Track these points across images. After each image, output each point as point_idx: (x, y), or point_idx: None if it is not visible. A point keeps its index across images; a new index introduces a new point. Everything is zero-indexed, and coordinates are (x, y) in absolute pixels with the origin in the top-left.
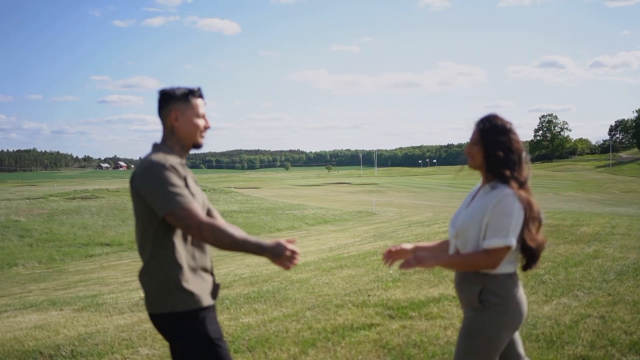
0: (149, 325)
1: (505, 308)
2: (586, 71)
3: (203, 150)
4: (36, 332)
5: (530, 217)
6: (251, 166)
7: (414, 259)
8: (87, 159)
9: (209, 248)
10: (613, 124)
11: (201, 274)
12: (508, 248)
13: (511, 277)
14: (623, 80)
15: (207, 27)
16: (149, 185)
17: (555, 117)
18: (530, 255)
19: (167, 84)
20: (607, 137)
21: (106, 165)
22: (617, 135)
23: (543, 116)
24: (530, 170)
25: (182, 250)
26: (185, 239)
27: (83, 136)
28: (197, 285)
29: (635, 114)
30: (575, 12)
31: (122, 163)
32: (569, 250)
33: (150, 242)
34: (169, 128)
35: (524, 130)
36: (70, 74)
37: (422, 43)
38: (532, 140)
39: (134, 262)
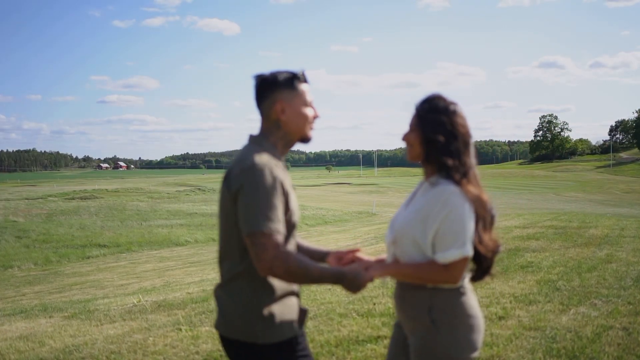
0: (139, 337)
1: (461, 326)
2: (586, 71)
3: (202, 150)
4: (20, 343)
5: (481, 217)
6: None
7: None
8: (86, 159)
9: None
10: (613, 124)
11: (290, 298)
12: (467, 258)
13: (460, 289)
14: (623, 80)
15: (207, 27)
16: (246, 192)
17: (556, 118)
18: (480, 262)
19: (166, 84)
20: (607, 138)
21: (106, 165)
22: (618, 136)
23: (543, 116)
24: (476, 160)
25: None
26: None
27: (83, 136)
28: (284, 313)
29: (636, 115)
30: (575, 13)
31: (121, 163)
32: (580, 254)
33: (239, 257)
34: (274, 122)
35: (524, 131)
36: (70, 74)
37: (422, 43)
38: (532, 141)
39: (130, 263)
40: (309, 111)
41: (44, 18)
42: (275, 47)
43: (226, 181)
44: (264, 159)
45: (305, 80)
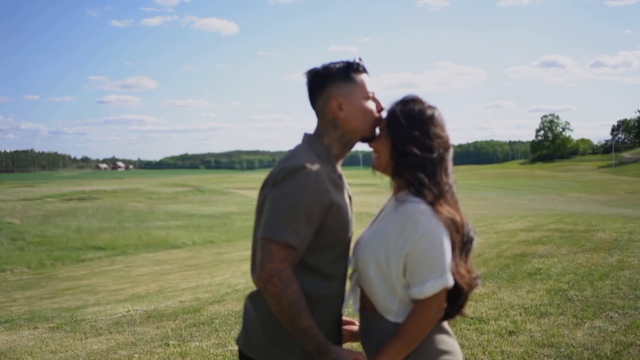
0: (124, 353)
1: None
2: (586, 71)
3: (201, 150)
4: None
5: (456, 244)
6: (250, 167)
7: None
8: (85, 160)
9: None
10: (615, 124)
11: (327, 327)
12: (448, 289)
13: None
14: (624, 80)
15: (205, 27)
16: (275, 194)
17: (557, 117)
18: (453, 298)
19: (165, 85)
20: (608, 137)
21: (104, 165)
22: (620, 135)
23: (545, 116)
24: (454, 175)
25: (312, 290)
26: (323, 277)
27: (81, 137)
28: None
29: (638, 114)
30: (575, 12)
31: (120, 164)
32: (590, 260)
33: None
34: (330, 121)
35: (525, 131)
36: (68, 74)
37: (421, 43)
38: (533, 140)
39: (126, 267)
40: (370, 105)
41: (41, 18)
42: (274, 47)
43: (265, 182)
44: (309, 163)
45: (363, 70)
